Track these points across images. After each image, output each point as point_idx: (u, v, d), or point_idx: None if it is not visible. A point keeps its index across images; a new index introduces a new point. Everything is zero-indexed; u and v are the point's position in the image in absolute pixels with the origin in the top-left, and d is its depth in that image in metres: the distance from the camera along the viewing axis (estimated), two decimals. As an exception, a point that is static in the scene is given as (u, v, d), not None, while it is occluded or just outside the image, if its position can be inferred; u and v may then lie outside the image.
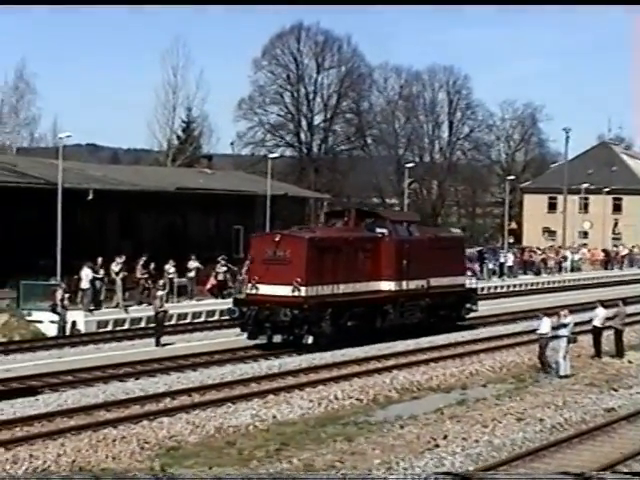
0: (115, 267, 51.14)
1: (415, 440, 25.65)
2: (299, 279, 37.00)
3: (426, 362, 38.24)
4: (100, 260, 48.36)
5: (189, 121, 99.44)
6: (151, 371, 35.99)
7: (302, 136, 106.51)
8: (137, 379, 33.84)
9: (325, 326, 37.88)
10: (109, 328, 47.57)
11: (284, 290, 37.41)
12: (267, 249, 38.31)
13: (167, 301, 47.46)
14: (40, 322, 46.59)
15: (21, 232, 54.37)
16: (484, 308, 54.55)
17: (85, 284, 50.98)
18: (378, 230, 42.23)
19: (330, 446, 24.98)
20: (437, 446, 24.84)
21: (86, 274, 50.56)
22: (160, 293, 48.08)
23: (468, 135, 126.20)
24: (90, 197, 59.47)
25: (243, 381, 33.46)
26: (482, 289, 66.06)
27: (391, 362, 37.93)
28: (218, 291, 56.23)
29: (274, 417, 28.70)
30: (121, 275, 50.53)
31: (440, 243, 45.72)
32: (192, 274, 55.86)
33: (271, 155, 79.76)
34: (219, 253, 59.46)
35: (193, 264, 56.28)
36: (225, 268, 58.69)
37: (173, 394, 31.16)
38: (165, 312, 43.99)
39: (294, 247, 38.26)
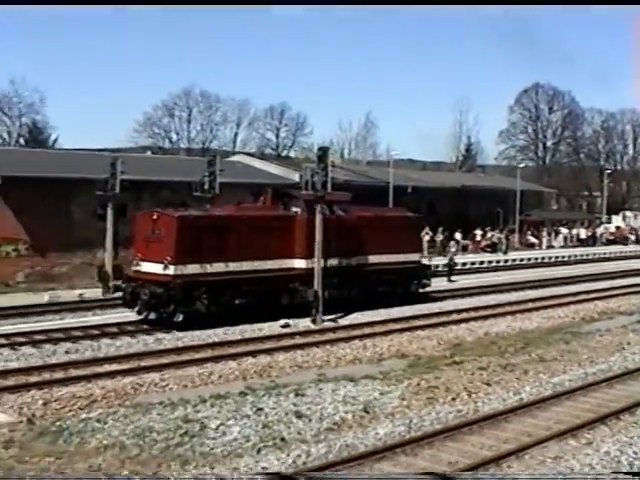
0: (424, 234, 58.60)
1: (609, 344, 27.89)
2: (169, 257, 29.75)
3: (617, 296, 41.18)
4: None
5: (469, 144, 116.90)
6: (447, 296, 40.09)
7: (539, 153, 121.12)
8: (441, 300, 38.48)
9: (200, 305, 30.00)
10: None
11: (157, 268, 30.14)
12: (147, 227, 31.22)
13: (456, 254, 54.36)
14: None
15: None
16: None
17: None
18: (293, 209, 33.77)
19: (554, 346, 27.29)
20: (623, 349, 27.14)
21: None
22: (452, 249, 56.61)
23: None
24: (409, 191, 67.01)
25: (501, 305, 37.27)
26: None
27: (593, 295, 40.91)
28: (490, 248, 67.97)
29: (520, 327, 31.50)
30: (427, 237, 59.02)
31: (380, 222, 36.67)
32: (478, 238, 69.46)
33: (520, 165, 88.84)
34: (488, 226, 70.41)
35: (478, 232, 69.69)
36: (491, 233, 69.86)
37: (459, 311, 34.86)
38: (454, 261, 50.13)
39: (166, 225, 30.60)
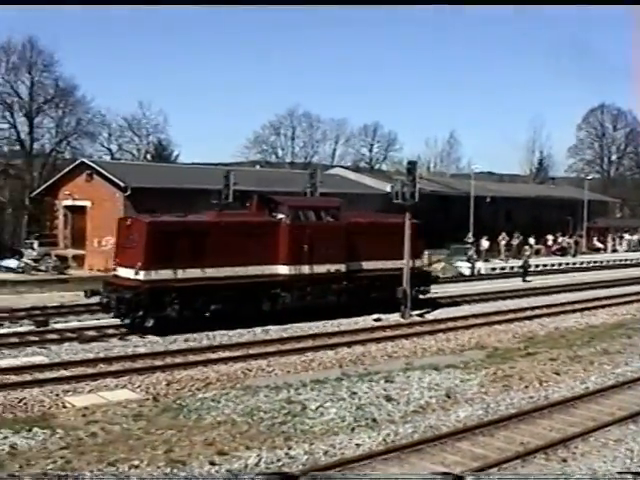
0: (501, 239, 59.00)
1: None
2: (139, 263, 26.63)
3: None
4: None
5: (542, 158, 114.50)
6: (522, 295, 39.32)
7: (605, 167, 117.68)
8: (517, 298, 37.62)
9: (170, 310, 26.80)
10: (497, 272, 53.05)
11: (130, 273, 27.14)
12: (124, 232, 28.36)
13: (530, 257, 53.36)
14: (460, 267, 52.32)
15: (452, 220, 60.83)
16: None
17: (483, 246, 57.28)
18: (279, 215, 30.14)
19: (617, 340, 26.90)
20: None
21: (484, 243, 57.23)
22: (527, 253, 55.17)
23: None
24: (488, 200, 66.24)
25: (570, 303, 36.28)
26: None
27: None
28: (560, 252, 66.68)
29: (586, 323, 31.04)
30: (504, 242, 58.65)
31: (375, 228, 32.53)
32: (549, 243, 68.30)
33: (588, 177, 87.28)
34: (559, 232, 68.93)
35: (550, 237, 68.41)
36: (561, 239, 68.51)
37: (533, 308, 34.23)
38: (528, 263, 49.21)
39: (138, 231, 27.50)
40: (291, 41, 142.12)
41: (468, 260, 52.53)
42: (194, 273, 27.34)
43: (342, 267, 30.96)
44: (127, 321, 27.02)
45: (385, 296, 31.88)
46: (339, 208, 31.94)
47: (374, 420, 16.26)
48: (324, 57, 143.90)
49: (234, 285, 28.10)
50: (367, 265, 31.98)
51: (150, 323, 26.57)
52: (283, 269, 29.59)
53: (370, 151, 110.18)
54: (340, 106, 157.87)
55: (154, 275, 26.64)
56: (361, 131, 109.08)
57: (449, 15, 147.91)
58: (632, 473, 13.08)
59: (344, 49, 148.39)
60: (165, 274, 26.80)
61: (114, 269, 28.61)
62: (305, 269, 29.98)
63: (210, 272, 27.66)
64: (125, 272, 27.44)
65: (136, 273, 26.66)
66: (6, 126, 73.26)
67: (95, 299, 28.43)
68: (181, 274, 27.12)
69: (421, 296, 33.89)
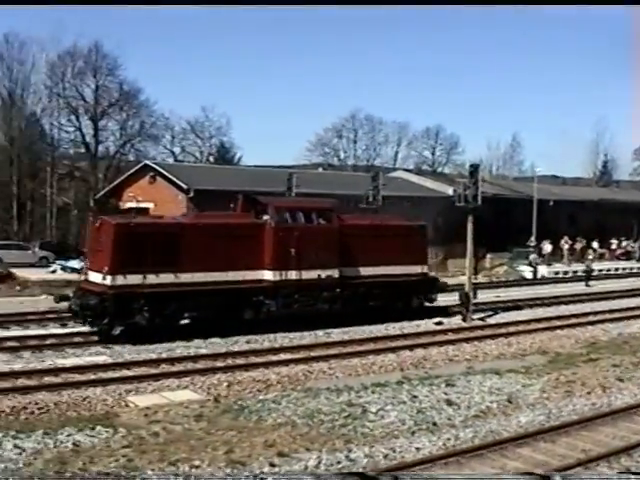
0: (564, 243, 58.28)
1: None
2: (106, 267, 24.59)
3: None
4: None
5: (606, 161, 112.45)
6: (585, 300, 38.50)
7: None
8: (579, 303, 37.27)
9: (140, 318, 24.75)
10: (559, 276, 52.47)
11: (98, 278, 25.10)
12: (94, 234, 26.30)
13: (593, 261, 52.69)
14: (523, 271, 52.24)
15: (514, 224, 60.57)
16: None
17: (546, 250, 57.15)
18: (265, 217, 27.86)
19: None
20: None
21: (547, 246, 57.15)
22: (590, 257, 54.13)
23: None
24: (551, 204, 66.14)
25: (632, 308, 35.53)
26: None
27: None
28: (624, 257, 65.76)
29: None
30: (566, 246, 58.07)
31: (373, 231, 30.13)
32: (613, 247, 67.36)
33: None
34: (623, 236, 68.18)
35: (614, 241, 67.46)
36: (625, 243, 67.72)
37: (595, 313, 33.72)
38: (591, 267, 48.95)
39: (106, 233, 25.37)
40: (355, 43, 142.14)
41: (530, 264, 52.03)
42: (166, 278, 25.37)
43: (334, 273, 28.66)
44: (95, 329, 25.31)
45: (386, 304, 30.11)
46: (332, 210, 29.54)
47: (434, 424, 16.18)
48: (387, 60, 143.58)
49: (211, 291, 25.99)
50: (365, 271, 29.61)
51: (117, 331, 25.02)
52: (267, 274, 27.44)
53: (432, 154, 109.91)
54: (402, 109, 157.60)
55: (121, 280, 24.70)
56: (423, 134, 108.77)
57: (511, 15, 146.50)
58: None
59: (407, 53, 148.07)
60: (133, 279, 24.81)
61: (85, 273, 26.95)
62: (292, 274, 27.74)
63: (185, 277, 25.68)
64: (94, 277, 25.65)
65: (103, 278, 24.86)
66: (72, 129, 74.72)
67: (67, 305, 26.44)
68: (152, 279, 25.08)
69: (427, 304, 31.86)
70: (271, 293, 27.38)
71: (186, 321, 26.34)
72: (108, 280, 24.58)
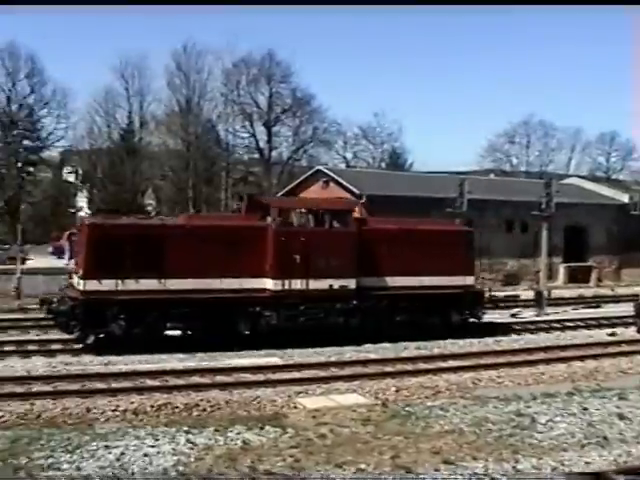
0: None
1: None
2: (81, 271, 23.17)
3: None
4: None
5: None
6: None
7: None
8: None
9: (115, 327, 23.04)
10: None
11: (76, 282, 23.98)
12: (78, 237, 25.13)
13: None
14: None
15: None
16: None
17: None
18: (269, 219, 25.46)
19: None
20: None
21: None
22: None
23: None
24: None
25: None
26: None
27: None
28: None
29: None
30: None
31: (403, 237, 26.85)
32: None
33: None
34: None
35: None
36: None
37: None
38: None
39: (84, 235, 23.83)
40: (528, 49, 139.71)
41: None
42: (148, 284, 23.40)
43: (351, 283, 25.87)
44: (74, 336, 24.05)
45: (417, 319, 27.21)
46: (350, 211, 27.03)
47: (605, 438, 15.65)
48: (561, 64, 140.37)
49: (201, 300, 23.81)
50: (391, 282, 26.73)
51: (90, 340, 23.48)
52: (268, 283, 24.98)
53: (607, 160, 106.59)
54: (576, 114, 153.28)
55: (94, 285, 22.93)
56: (598, 139, 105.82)
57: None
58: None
59: (580, 57, 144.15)
60: (108, 284, 22.95)
61: (70, 277, 25.78)
62: (297, 284, 25.15)
63: (170, 284, 23.65)
64: (75, 281, 24.40)
65: (78, 283, 23.51)
66: (246, 135, 77.08)
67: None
68: (131, 285, 23.16)
69: (473, 320, 28.69)
70: (272, 304, 25.00)
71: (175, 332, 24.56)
72: (81, 285, 23.18)
